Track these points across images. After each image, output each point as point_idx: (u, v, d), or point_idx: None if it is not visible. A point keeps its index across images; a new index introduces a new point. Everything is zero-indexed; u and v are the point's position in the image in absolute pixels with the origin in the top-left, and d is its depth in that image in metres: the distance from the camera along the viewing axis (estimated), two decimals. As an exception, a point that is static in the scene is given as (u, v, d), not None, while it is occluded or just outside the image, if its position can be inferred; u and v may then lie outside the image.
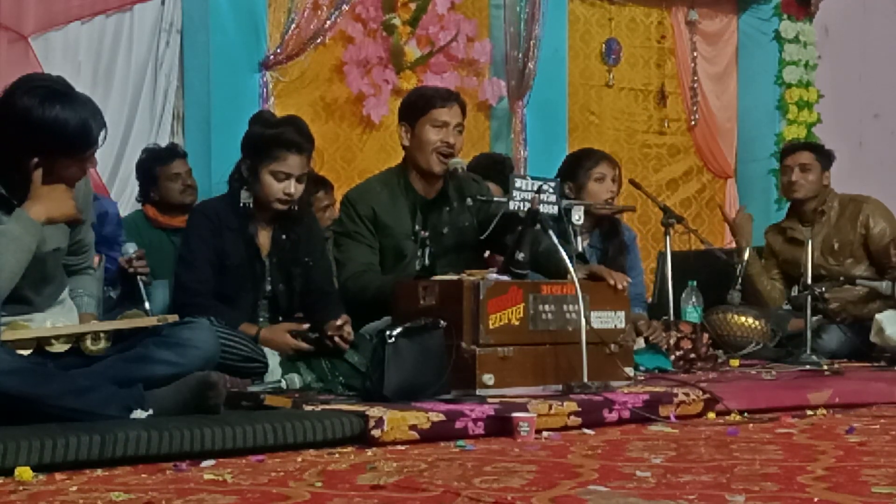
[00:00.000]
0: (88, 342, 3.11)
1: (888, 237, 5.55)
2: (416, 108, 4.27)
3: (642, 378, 4.07)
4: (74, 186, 3.13)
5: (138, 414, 2.91)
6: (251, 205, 3.96)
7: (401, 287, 3.76)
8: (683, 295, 5.11)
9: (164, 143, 5.72)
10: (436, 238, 4.13)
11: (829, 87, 8.27)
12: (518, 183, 3.90)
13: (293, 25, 6.23)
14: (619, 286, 3.86)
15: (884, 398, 4.00)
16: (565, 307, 3.71)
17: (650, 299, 5.63)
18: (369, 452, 2.86)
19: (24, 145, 3.00)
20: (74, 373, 2.97)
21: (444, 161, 4.21)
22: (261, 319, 3.99)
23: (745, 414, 3.60)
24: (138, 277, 4.36)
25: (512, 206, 3.87)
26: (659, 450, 2.88)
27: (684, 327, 4.65)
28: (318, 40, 6.33)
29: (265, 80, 6.22)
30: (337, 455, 2.80)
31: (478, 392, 3.48)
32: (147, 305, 4.26)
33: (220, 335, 3.36)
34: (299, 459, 2.72)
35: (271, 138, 3.92)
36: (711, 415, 3.60)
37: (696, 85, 8.07)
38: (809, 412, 3.70)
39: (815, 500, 2.18)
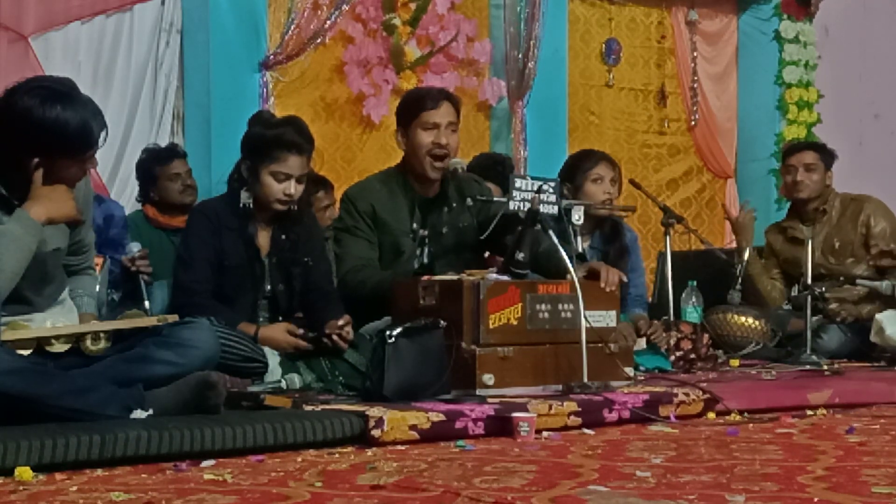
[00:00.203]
0: (88, 342, 3.11)
1: (889, 237, 5.56)
2: (408, 112, 4.28)
3: (642, 378, 4.07)
4: (75, 187, 3.14)
5: (138, 414, 2.91)
6: (251, 205, 3.96)
7: (400, 287, 3.76)
8: (683, 295, 5.11)
9: (164, 143, 5.72)
10: (435, 237, 4.13)
11: (829, 87, 8.27)
12: (518, 183, 3.90)
13: (293, 25, 6.23)
14: (608, 288, 3.86)
15: (884, 398, 4.00)
16: (561, 306, 3.71)
17: (650, 299, 5.63)
18: (369, 452, 2.86)
19: (25, 146, 3.01)
20: (74, 373, 2.97)
21: (438, 166, 4.21)
22: (260, 319, 3.99)
23: (745, 414, 3.60)
24: (140, 276, 4.36)
25: (512, 206, 3.87)
26: (659, 450, 2.88)
27: (684, 328, 4.65)
28: (318, 40, 6.33)
29: (265, 80, 6.22)
30: (337, 455, 2.80)
31: (478, 392, 3.48)
32: (147, 305, 4.26)
33: (220, 335, 3.36)
34: (299, 459, 2.72)
35: (271, 139, 3.92)
36: (711, 415, 3.60)
37: (696, 85, 8.07)
38: (809, 412, 3.70)
39: (815, 500, 2.18)
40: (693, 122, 8.11)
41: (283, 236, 4.03)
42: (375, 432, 2.95)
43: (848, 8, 8.37)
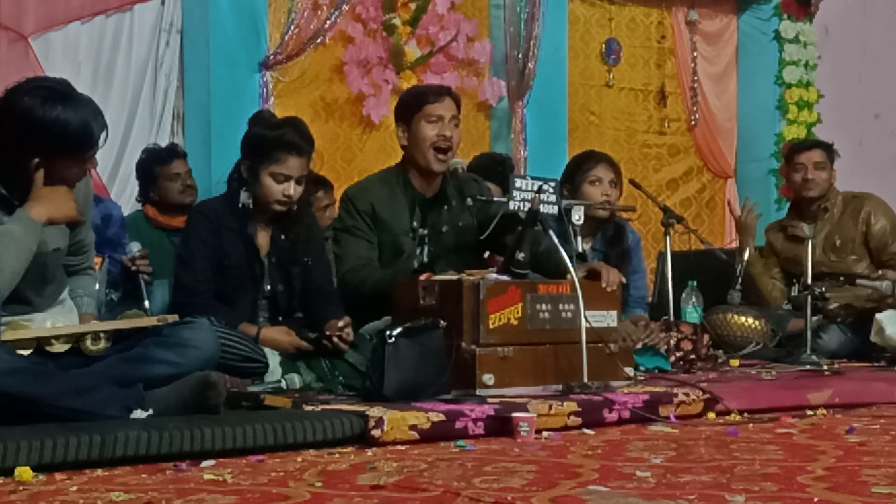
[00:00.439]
0: (88, 342, 3.11)
1: (889, 234, 5.58)
2: (409, 106, 4.29)
3: (642, 378, 4.07)
4: (75, 187, 3.14)
5: (138, 414, 2.91)
6: (250, 205, 3.96)
7: (400, 287, 3.76)
8: (683, 295, 5.11)
9: (164, 143, 5.72)
10: (435, 237, 4.13)
11: (829, 87, 8.27)
12: (518, 183, 3.90)
13: (293, 25, 6.24)
14: (609, 288, 3.87)
15: (884, 398, 4.00)
16: (561, 306, 3.71)
17: (650, 299, 5.63)
18: (369, 452, 2.86)
19: (25, 146, 3.00)
20: (74, 373, 2.97)
21: (441, 159, 4.22)
22: (260, 319, 3.99)
23: (745, 414, 3.60)
24: (140, 276, 4.36)
25: (512, 206, 3.87)
26: (659, 450, 2.88)
27: (685, 328, 4.65)
28: (318, 40, 6.33)
29: (265, 80, 6.23)
30: (337, 455, 2.80)
31: (478, 392, 3.48)
32: (147, 304, 4.26)
33: (220, 335, 3.36)
34: (299, 459, 2.72)
35: (272, 140, 3.92)
36: (711, 415, 3.60)
37: (696, 85, 8.07)
38: (809, 412, 3.69)
39: (815, 500, 2.18)
40: (693, 122, 8.11)
41: (283, 236, 4.03)
42: (375, 432, 2.95)
43: (848, 8, 8.37)
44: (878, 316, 4.97)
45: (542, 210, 3.82)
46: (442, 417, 3.07)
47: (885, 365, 4.93)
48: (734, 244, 6.74)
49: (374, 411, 3.01)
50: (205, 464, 2.63)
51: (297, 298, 4.07)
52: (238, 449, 2.76)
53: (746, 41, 8.32)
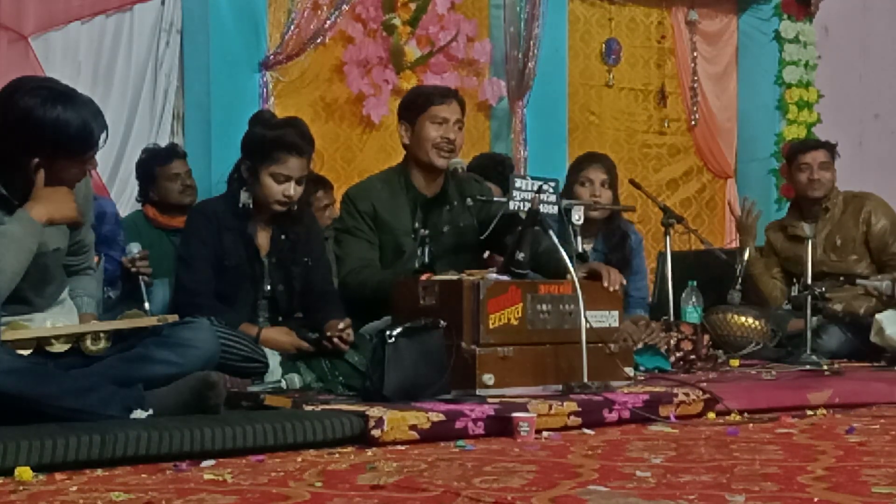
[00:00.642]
0: (88, 342, 3.11)
1: (889, 234, 5.59)
2: (415, 105, 4.29)
3: (642, 378, 4.07)
4: (74, 187, 3.14)
5: (138, 414, 2.91)
6: (250, 205, 3.96)
7: (401, 287, 3.76)
8: (683, 295, 5.12)
9: (164, 143, 5.72)
10: (435, 237, 4.14)
11: (829, 87, 8.27)
12: (518, 183, 3.90)
13: (293, 25, 6.24)
14: (612, 288, 3.86)
15: (884, 398, 4.00)
16: (562, 307, 3.71)
17: (650, 299, 5.63)
18: (369, 452, 2.86)
19: (25, 146, 3.00)
20: (74, 373, 2.97)
21: (444, 155, 4.23)
22: (260, 319, 3.99)
23: (745, 414, 3.60)
24: (140, 277, 4.36)
25: (512, 206, 3.87)
26: (659, 450, 2.88)
27: (684, 328, 4.65)
28: (318, 40, 6.33)
29: (265, 80, 6.23)
30: (337, 455, 2.80)
31: (478, 392, 3.48)
32: (147, 306, 4.25)
33: (220, 335, 3.36)
34: (299, 459, 2.72)
35: (272, 140, 3.92)
36: (711, 415, 3.60)
37: (696, 85, 8.07)
38: (809, 412, 3.69)
39: (815, 500, 2.18)
40: (693, 122, 8.11)
41: (283, 236, 4.03)
42: (375, 432, 2.95)
43: (848, 8, 8.37)
44: (878, 316, 4.98)
45: (542, 210, 3.82)
46: (442, 417, 3.07)
47: (885, 365, 4.93)
48: (734, 244, 6.74)
49: (374, 411, 3.01)
50: (205, 464, 2.63)
51: (297, 298, 4.07)
52: (238, 449, 2.76)
53: (746, 41, 8.32)
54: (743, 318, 5.21)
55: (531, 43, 7.02)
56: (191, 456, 2.67)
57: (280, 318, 4.02)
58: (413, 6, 6.68)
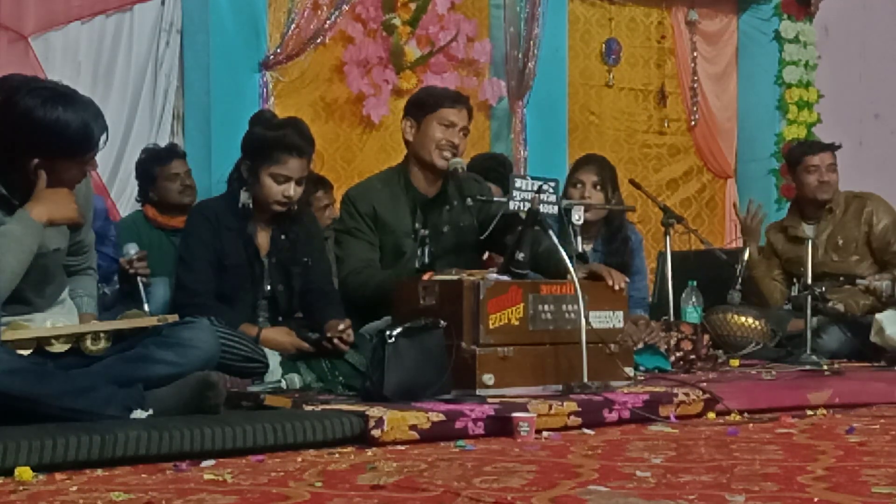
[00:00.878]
0: (88, 342, 3.11)
1: (891, 233, 5.59)
2: (425, 104, 4.31)
3: (642, 378, 4.06)
4: (75, 188, 3.14)
5: (138, 414, 2.91)
6: (250, 205, 3.96)
7: (401, 287, 3.76)
8: (683, 295, 5.11)
9: (164, 143, 5.71)
10: (436, 237, 4.14)
11: (829, 87, 8.27)
12: (518, 183, 3.90)
13: (293, 25, 6.24)
14: (617, 286, 3.86)
15: (884, 398, 4.00)
16: (564, 307, 3.71)
17: (650, 299, 5.63)
18: (369, 452, 2.86)
19: (25, 146, 3.00)
20: (74, 373, 2.97)
21: (445, 156, 4.23)
22: (260, 319, 3.99)
23: (745, 414, 3.60)
24: (139, 279, 4.35)
25: (512, 206, 3.87)
26: (659, 450, 2.88)
27: (685, 328, 4.65)
28: (318, 40, 6.33)
29: (265, 80, 6.23)
30: (337, 455, 2.80)
31: (478, 392, 3.48)
32: (147, 308, 4.25)
33: (220, 335, 3.36)
34: (299, 459, 2.72)
35: (273, 141, 3.91)
36: (711, 415, 3.60)
37: (696, 85, 8.07)
38: (809, 412, 3.69)
39: (815, 500, 2.18)
40: (693, 122, 8.11)
41: (283, 236, 4.03)
42: (375, 432, 2.95)
43: (848, 8, 8.37)
44: (878, 316, 4.97)
45: (542, 210, 3.82)
46: (442, 417, 3.07)
47: (885, 365, 4.93)
48: (734, 244, 6.73)
49: (374, 411, 3.01)
50: (205, 464, 2.64)
51: (297, 299, 4.07)
52: (238, 449, 2.76)
53: (746, 41, 8.32)
54: (743, 318, 5.21)
55: (531, 43, 7.02)
56: (191, 456, 2.67)
57: (280, 319, 4.02)
58: (413, 6, 6.68)
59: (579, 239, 4.28)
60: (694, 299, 5.10)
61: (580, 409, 3.35)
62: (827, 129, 8.02)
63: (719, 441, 3.04)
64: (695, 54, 8.08)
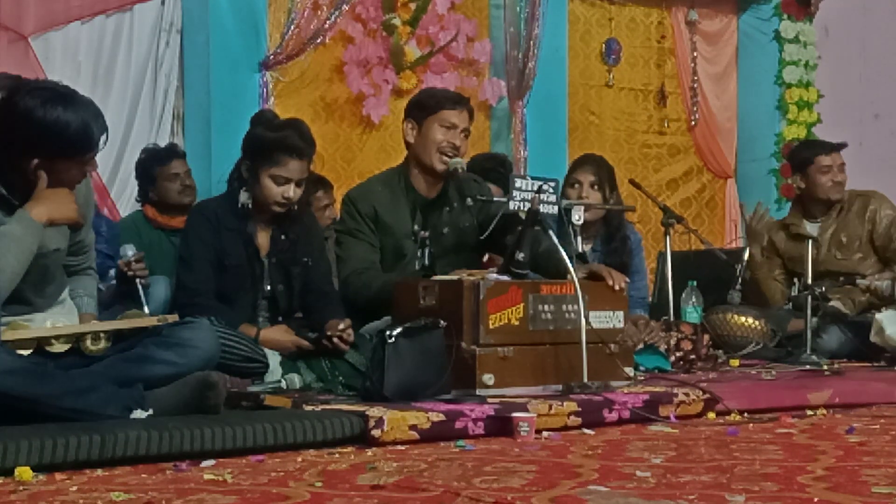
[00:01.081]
0: (88, 342, 3.11)
1: (894, 229, 5.59)
2: (426, 106, 4.30)
3: (642, 378, 4.06)
4: (75, 188, 3.14)
5: (138, 414, 2.91)
6: (250, 205, 3.96)
7: (401, 287, 3.76)
8: (683, 295, 5.11)
9: (164, 143, 5.71)
10: (436, 238, 4.14)
11: (829, 87, 8.27)
12: (518, 183, 3.90)
13: (293, 25, 6.24)
14: (617, 286, 3.86)
15: (884, 398, 4.00)
16: (564, 307, 3.71)
17: (650, 299, 5.63)
18: (369, 452, 2.86)
19: (25, 146, 3.00)
20: (74, 373, 2.97)
21: (445, 160, 4.23)
22: (260, 319, 3.99)
23: (745, 414, 3.60)
24: (137, 280, 4.35)
25: (512, 206, 3.87)
26: (659, 450, 2.88)
27: (684, 328, 4.65)
28: (318, 40, 6.33)
29: (265, 80, 6.23)
30: (337, 455, 2.80)
31: (478, 392, 3.48)
32: (146, 309, 4.25)
33: (220, 335, 3.36)
34: (299, 459, 2.72)
35: (273, 142, 3.91)
36: (711, 415, 3.60)
37: (696, 85, 8.07)
38: (809, 412, 3.69)
39: (815, 500, 2.18)
40: (693, 122, 8.11)
41: (283, 236, 4.03)
42: (375, 432, 2.95)
43: (848, 8, 8.37)
44: (878, 316, 4.97)
45: (542, 210, 3.82)
46: (442, 417, 3.07)
47: (885, 365, 4.93)
48: (734, 244, 6.73)
49: (374, 411, 3.01)
50: (205, 464, 2.64)
51: (297, 298, 4.07)
52: (238, 449, 2.76)
53: (746, 41, 8.32)
54: (743, 318, 5.21)
55: (531, 43, 7.02)
56: (191, 456, 2.67)
57: (280, 318, 4.02)
58: (413, 6, 6.68)
59: (579, 239, 4.29)
60: (694, 299, 5.10)
61: (580, 409, 3.35)
62: (827, 129, 8.02)
63: (719, 441, 3.04)
64: (695, 54, 8.08)
